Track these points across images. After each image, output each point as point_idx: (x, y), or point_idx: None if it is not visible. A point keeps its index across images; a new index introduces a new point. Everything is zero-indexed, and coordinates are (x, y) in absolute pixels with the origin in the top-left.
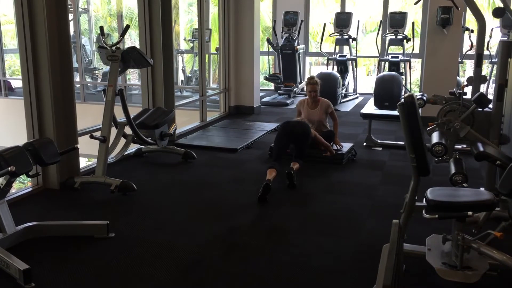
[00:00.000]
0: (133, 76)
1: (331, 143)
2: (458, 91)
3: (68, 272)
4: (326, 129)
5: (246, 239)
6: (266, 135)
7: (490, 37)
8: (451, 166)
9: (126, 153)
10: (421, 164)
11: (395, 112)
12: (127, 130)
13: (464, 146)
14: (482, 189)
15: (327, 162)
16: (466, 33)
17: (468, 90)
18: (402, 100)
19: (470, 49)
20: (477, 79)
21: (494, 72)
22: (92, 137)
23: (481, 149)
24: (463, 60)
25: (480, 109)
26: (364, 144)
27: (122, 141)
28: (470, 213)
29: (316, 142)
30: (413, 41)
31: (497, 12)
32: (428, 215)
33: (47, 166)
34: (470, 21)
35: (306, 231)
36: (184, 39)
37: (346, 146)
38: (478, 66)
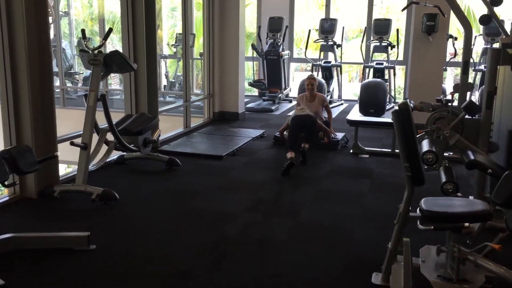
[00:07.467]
0: (114, 81)
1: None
2: (445, 98)
3: (47, 287)
4: (322, 120)
5: (234, 249)
6: (252, 142)
7: (473, 44)
8: (441, 175)
9: (108, 160)
10: (416, 173)
11: (381, 119)
12: (109, 136)
13: (451, 153)
14: (471, 197)
15: (325, 147)
16: (450, 40)
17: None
18: (396, 107)
19: (454, 56)
20: (463, 86)
21: (478, 79)
22: (72, 144)
23: (472, 157)
24: (446, 68)
25: (469, 117)
26: (351, 151)
27: (104, 148)
28: (466, 224)
29: (317, 128)
30: (398, 48)
31: (483, 20)
32: (423, 226)
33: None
34: (456, 28)
35: (294, 241)
36: (167, 44)
37: (339, 135)
38: (464, 74)
